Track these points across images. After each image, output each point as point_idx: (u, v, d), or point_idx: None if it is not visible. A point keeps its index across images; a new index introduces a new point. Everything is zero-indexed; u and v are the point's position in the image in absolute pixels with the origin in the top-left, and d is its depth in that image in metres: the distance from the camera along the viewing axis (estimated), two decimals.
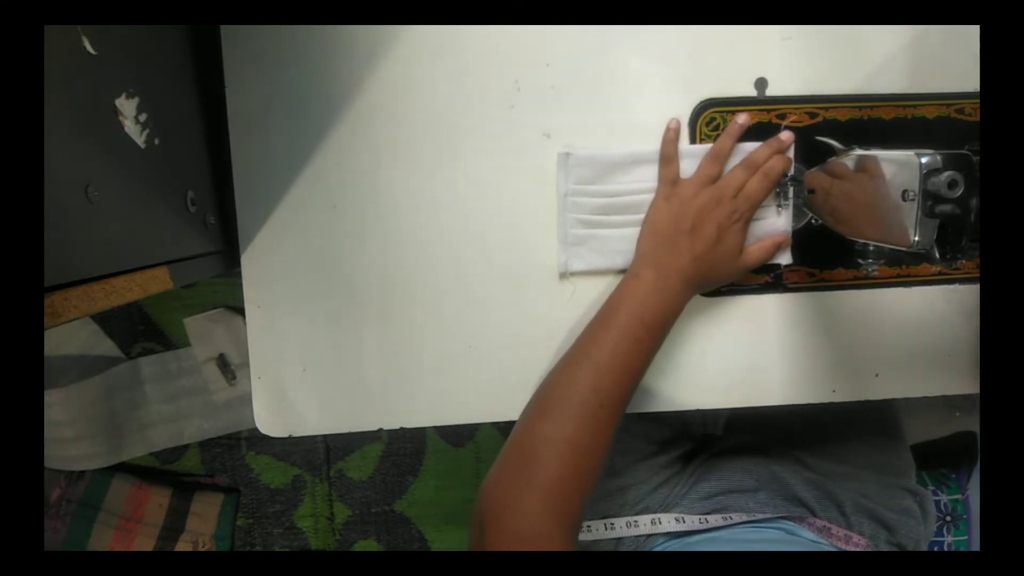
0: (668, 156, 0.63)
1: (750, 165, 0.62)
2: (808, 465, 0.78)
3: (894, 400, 0.84)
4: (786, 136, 0.63)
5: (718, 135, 0.63)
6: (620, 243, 0.64)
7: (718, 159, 0.62)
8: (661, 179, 0.63)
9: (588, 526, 0.77)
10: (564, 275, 0.65)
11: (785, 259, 0.65)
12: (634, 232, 0.63)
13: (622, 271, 0.65)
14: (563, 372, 0.58)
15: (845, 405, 0.69)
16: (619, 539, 0.76)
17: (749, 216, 0.62)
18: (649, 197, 0.63)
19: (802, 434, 0.82)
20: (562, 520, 0.52)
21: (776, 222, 0.65)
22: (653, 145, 0.63)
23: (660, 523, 0.75)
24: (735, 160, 0.63)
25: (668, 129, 0.63)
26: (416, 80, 0.63)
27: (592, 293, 0.66)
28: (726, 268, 0.62)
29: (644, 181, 0.63)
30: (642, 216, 0.63)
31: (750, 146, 0.63)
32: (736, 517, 0.74)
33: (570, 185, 0.64)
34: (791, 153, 0.63)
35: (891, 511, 0.77)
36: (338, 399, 0.67)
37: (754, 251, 0.63)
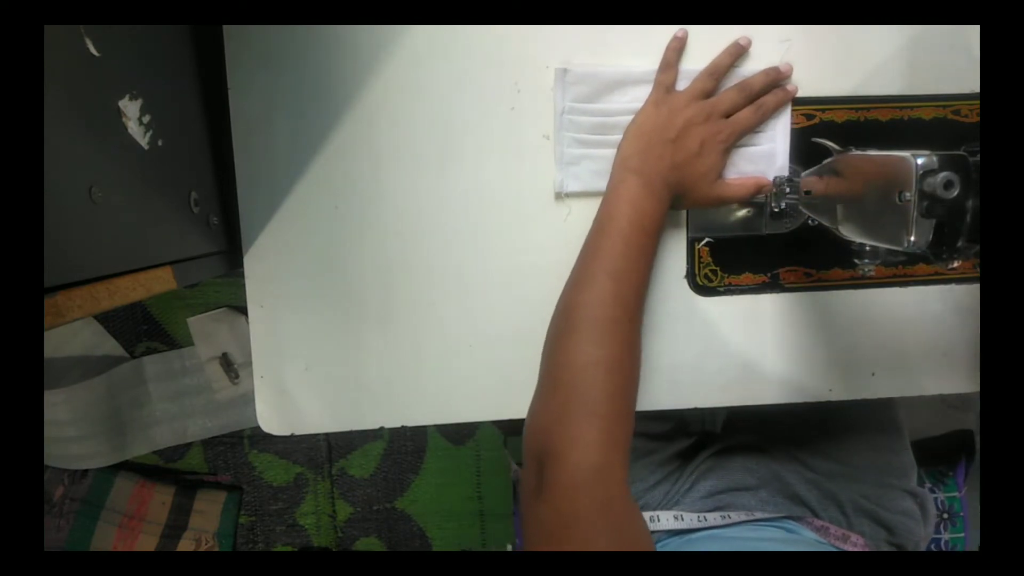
0: (669, 62, 0.63)
1: (745, 88, 0.62)
2: (809, 465, 0.78)
3: (892, 399, 0.84)
4: (785, 67, 0.63)
5: None
6: None
7: (714, 75, 0.62)
8: (656, 83, 0.63)
9: None
10: (560, 196, 0.65)
11: (775, 171, 0.64)
12: None
13: None
14: (581, 291, 0.57)
15: (846, 405, 0.69)
16: None
17: (732, 141, 0.62)
18: None
19: (804, 434, 0.82)
20: (621, 444, 0.51)
21: (763, 157, 0.64)
22: (651, 65, 0.63)
23: (659, 520, 0.75)
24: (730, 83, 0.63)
25: (674, 37, 0.63)
26: (417, 82, 0.63)
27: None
28: (701, 187, 0.61)
29: (641, 101, 0.63)
30: None
31: (749, 72, 0.63)
32: (735, 516, 0.74)
33: (567, 103, 0.63)
34: (791, 87, 0.63)
35: (891, 512, 0.78)
36: (340, 397, 0.67)
37: (733, 185, 0.63)
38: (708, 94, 0.62)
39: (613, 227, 0.58)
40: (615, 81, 0.63)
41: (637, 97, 0.63)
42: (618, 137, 0.63)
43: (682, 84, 0.63)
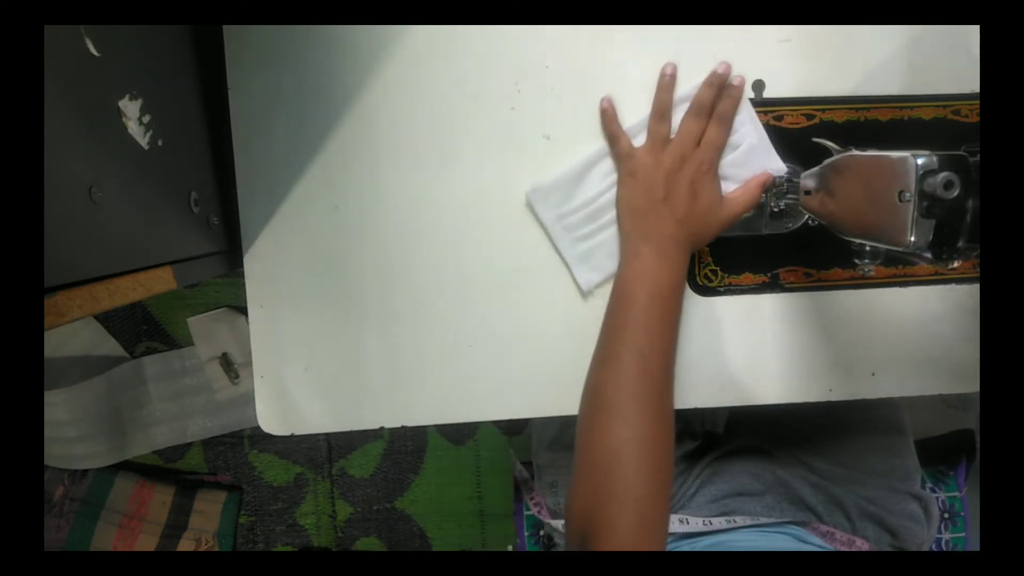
0: (613, 135, 0.62)
1: (700, 111, 0.61)
2: (814, 469, 0.78)
3: (892, 400, 0.84)
4: (723, 67, 0.62)
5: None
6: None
7: (664, 117, 0.61)
8: (616, 157, 0.63)
9: None
10: (589, 294, 0.66)
11: (776, 168, 0.64)
12: None
13: None
14: (607, 369, 0.57)
15: (850, 406, 0.69)
16: None
17: (716, 162, 0.61)
18: None
19: (807, 436, 0.82)
20: (655, 528, 0.52)
21: (749, 155, 0.63)
22: (599, 142, 0.64)
23: None
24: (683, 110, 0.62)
25: (603, 111, 0.63)
26: (417, 81, 0.63)
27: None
28: (713, 221, 0.61)
29: (609, 175, 0.64)
30: None
31: (691, 89, 0.62)
32: (740, 521, 0.74)
33: (549, 214, 0.64)
34: (737, 81, 0.62)
35: (895, 516, 0.78)
36: (340, 397, 0.67)
37: (739, 196, 0.62)
38: (667, 137, 0.61)
39: (631, 302, 0.58)
40: (578, 173, 0.64)
41: (604, 171, 0.64)
42: (611, 215, 0.64)
43: (636, 140, 0.63)
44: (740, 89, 0.62)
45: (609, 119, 0.63)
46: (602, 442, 0.54)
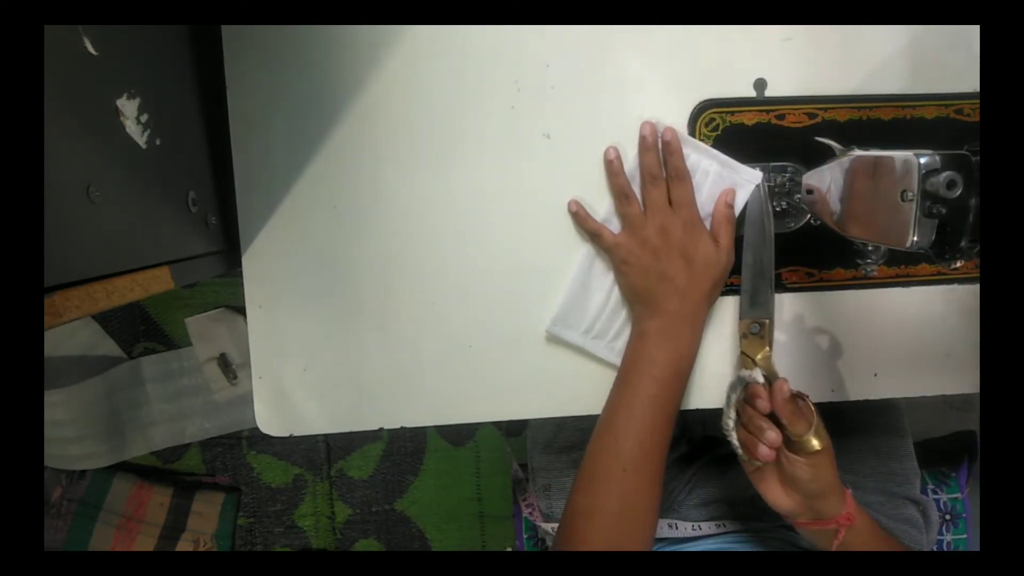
0: (593, 231, 0.63)
1: (654, 178, 0.61)
2: None
3: (893, 401, 0.84)
4: (647, 130, 0.61)
5: (718, 135, 0.63)
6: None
7: (628, 197, 0.61)
8: (606, 251, 0.63)
9: None
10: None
11: (747, 192, 0.63)
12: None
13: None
14: (592, 443, 0.60)
15: (850, 409, 0.69)
16: None
17: (695, 214, 0.61)
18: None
19: None
20: None
21: (713, 183, 0.62)
22: (590, 264, 0.65)
23: None
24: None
25: (573, 214, 0.63)
26: (417, 81, 0.63)
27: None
28: (715, 272, 0.60)
29: (608, 272, 0.65)
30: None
31: (635, 161, 0.62)
32: (730, 525, 0.74)
33: (577, 335, 0.65)
34: (668, 135, 0.61)
35: (893, 520, 0.77)
36: (339, 398, 0.67)
37: (717, 228, 0.61)
38: (640, 211, 0.61)
39: (624, 383, 0.61)
40: (581, 283, 0.65)
41: (601, 270, 0.65)
42: (625, 310, 0.65)
43: (615, 225, 0.63)
44: (674, 137, 0.61)
45: (583, 219, 0.63)
46: (568, 509, 0.60)
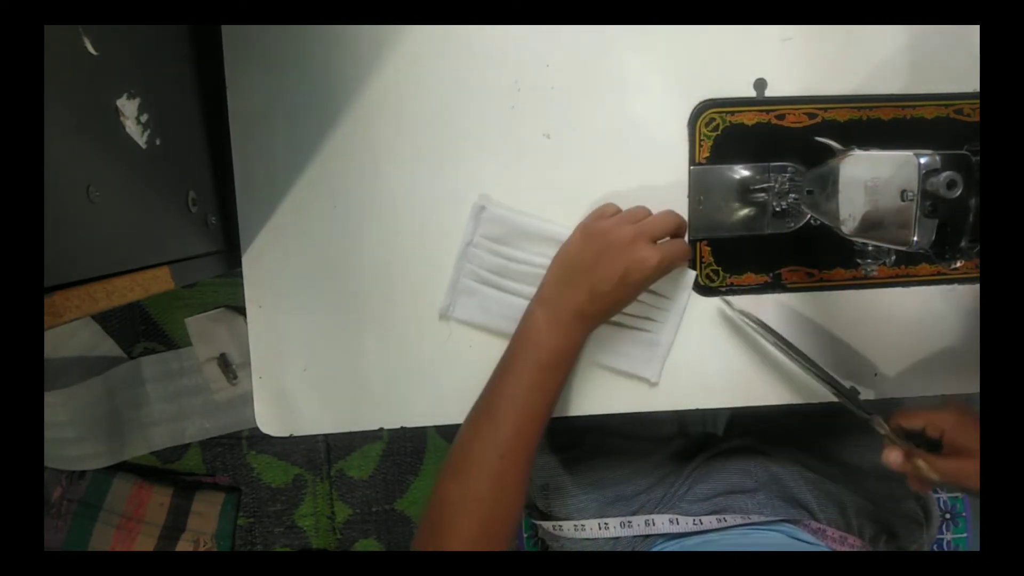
0: (605, 206, 0.62)
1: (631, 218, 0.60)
2: (811, 467, 0.78)
3: (897, 400, 0.84)
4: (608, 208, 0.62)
5: (717, 135, 0.63)
6: (505, 308, 0.64)
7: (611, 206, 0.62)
8: (591, 216, 0.62)
9: (583, 525, 0.77)
10: (444, 317, 0.66)
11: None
12: (521, 302, 0.62)
13: (501, 335, 0.65)
14: (466, 427, 0.59)
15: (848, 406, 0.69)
16: (616, 539, 0.76)
17: (665, 249, 0.58)
18: (543, 272, 0.62)
19: (806, 436, 0.82)
20: None
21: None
22: (564, 225, 0.63)
23: (653, 524, 0.75)
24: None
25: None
26: (417, 81, 0.63)
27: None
28: (630, 296, 0.60)
29: (545, 256, 0.62)
30: (533, 289, 0.62)
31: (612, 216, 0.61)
32: (731, 519, 0.74)
33: (476, 237, 0.64)
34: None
35: (894, 515, 0.77)
36: (339, 398, 0.67)
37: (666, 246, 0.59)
38: (615, 211, 0.61)
39: (508, 366, 0.59)
40: (526, 231, 0.64)
41: (543, 252, 0.63)
42: (513, 284, 0.64)
43: None
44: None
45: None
46: (436, 497, 0.58)
